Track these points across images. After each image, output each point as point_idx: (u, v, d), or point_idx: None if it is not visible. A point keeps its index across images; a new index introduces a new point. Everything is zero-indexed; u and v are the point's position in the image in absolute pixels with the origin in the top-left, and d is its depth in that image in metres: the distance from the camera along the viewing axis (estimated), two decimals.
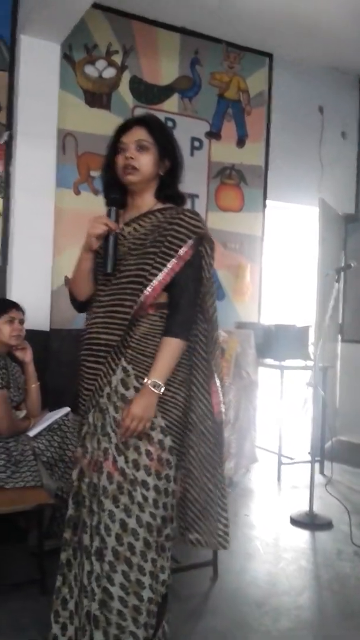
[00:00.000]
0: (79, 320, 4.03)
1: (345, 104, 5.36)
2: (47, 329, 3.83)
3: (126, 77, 4.30)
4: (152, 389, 1.70)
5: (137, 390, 1.73)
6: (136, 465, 1.73)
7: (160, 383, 1.71)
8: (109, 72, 4.24)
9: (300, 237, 5.72)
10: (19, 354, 2.96)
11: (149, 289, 1.72)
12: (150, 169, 1.81)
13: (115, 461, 1.73)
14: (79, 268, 1.87)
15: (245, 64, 4.82)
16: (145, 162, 1.80)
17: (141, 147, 1.80)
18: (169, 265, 1.73)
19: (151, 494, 1.73)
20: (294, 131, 5.06)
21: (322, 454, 4.36)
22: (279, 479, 4.20)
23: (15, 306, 2.90)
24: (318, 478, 3.92)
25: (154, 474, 1.74)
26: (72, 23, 3.58)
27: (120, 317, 1.76)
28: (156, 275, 1.73)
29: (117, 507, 1.72)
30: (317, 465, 4.16)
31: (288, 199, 5.11)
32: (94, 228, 1.78)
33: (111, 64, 4.24)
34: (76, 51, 4.11)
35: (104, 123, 4.19)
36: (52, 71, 3.81)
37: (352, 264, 3.57)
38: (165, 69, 4.47)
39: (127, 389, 1.74)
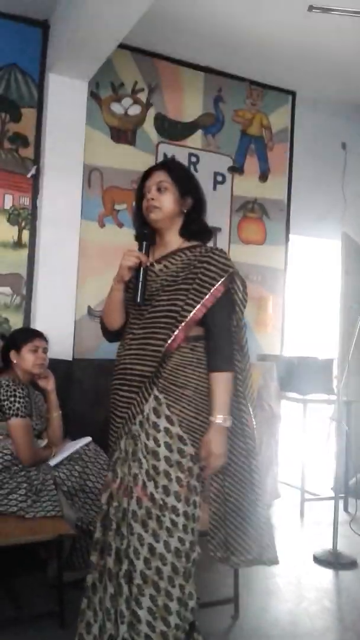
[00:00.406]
0: (101, 350, 4.09)
1: None
2: (70, 358, 3.86)
3: (151, 114, 4.42)
4: (221, 423, 1.83)
5: (168, 418, 1.82)
6: (166, 491, 1.79)
7: (226, 417, 1.84)
8: (134, 110, 4.35)
9: (324, 269, 5.71)
10: (41, 382, 2.98)
11: (182, 324, 1.83)
12: (171, 207, 1.94)
13: (144, 487, 1.80)
14: (110, 298, 2.00)
15: (268, 101, 4.91)
16: (166, 201, 1.93)
17: (161, 188, 1.94)
18: (202, 302, 1.83)
19: (181, 520, 1.79)
20: (316, 166, 5.11)
21: (346, 491, 4.26)
22: (301, 515, 4.11)
23: (39, 335, 2.94)
24: (342, 515, 3.82)
25: (184, 500, 1.81)
26: (99, 62, 3.71)
27: (153, 350, 1.85)
28: (189, 311, 1.83)
29: (146, 531, 1.79)
30: (341, 502, 4.06)
31: (311, 233, 5.12)
32: (126, 260, 1.90)
33: (136, 101, 4.36)
34: (103, 89, 4.23)
35: (128, 158, 4.30)
36: (79, 108, 3.93)
37: None
38: (189, 106, 4.57)
39: (158, 417, 1.83)
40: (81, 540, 2.66)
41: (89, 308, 4.09)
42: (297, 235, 5.05)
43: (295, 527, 3.91)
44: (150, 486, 1.79)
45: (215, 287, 1.84)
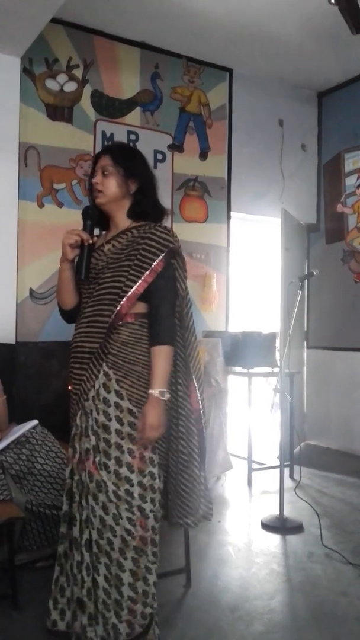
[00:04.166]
0: (45, 333, 4.04)
1: (304, 117, 5.50)
2: (13, 342, 3.80)
3: (87, 90, 4.34)
4: (159, 397, 1.85)
5: (117, 393, 1.87)
6: (119, 463, 1.86)
7: (164, 390, 1.87)
8: (70, 86, 4.26)
9: (265, 246, 5.82)
10: None
11: (124, 299, 1.86)
12: (114, 190, 1.98)
13: (94, 461, 1.87)
14: (59, 278, 2.03)
15: (206, 78, 4.91)
16: (109, 185, 1.97)
17: (105, 172, 1.98)
18: (142, 277, 1.87)
19: (136, 489, 1.87)
20: (255, 144, 5.17)
21: (291, 459, 4.40)
22: (249, 484, 4.23)
23: None
24: (288, 482, 3.96)
25: (137, 471, 1.88)
26: (32, 37, 3.61)
27: (100, 326, 1.90)
28: (131, 286, 1.87)
29: (97, 504, 1.86)
30: (286, 470, 4.20)
31: (251, 210, 5.20)
32: (67, 238, 1.95)
33: (72, 78, 4.27)
34: (36, 65, 4.12)
35: (66, 136, 4.22)
36: (13, 85, 3.82)
37: (315, 272, 3.65)
38: (126, 82, 4.51)
39: (108, 392, 1.88)
40: (31, 522, 2.66)
41: (31, 290, 4.03)
42: (238, 213, 5.11)
43: (244, 496, 4.02)
44: (102, 459, 1.85)
45: (155, 262, 1.88)
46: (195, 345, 2.04)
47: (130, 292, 1.87)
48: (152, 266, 1.88)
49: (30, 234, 4.01)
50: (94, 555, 1.86)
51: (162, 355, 1.88)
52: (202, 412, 2.06)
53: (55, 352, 4.05)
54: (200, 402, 2.05)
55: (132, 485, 1.86)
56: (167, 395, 1.89)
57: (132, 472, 1.87)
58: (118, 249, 1.95)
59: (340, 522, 3.47)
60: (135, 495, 1.86)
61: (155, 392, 1.85)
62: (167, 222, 2.06)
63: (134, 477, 1.87)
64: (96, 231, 2.08)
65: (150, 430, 1.84)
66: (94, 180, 1.99)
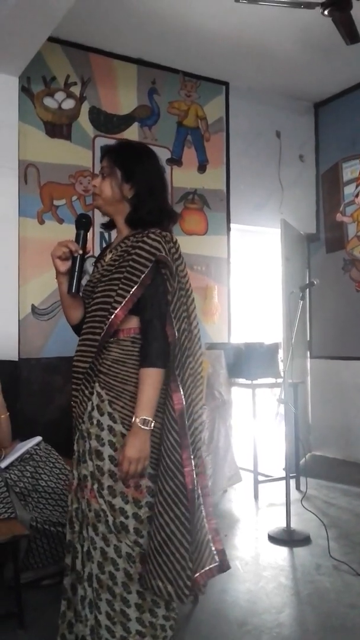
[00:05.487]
0: (48, 349, 4.04)
1: (301, 128, 5.53)
2: (16, 359, 3.80)
3: (85, 107, 4.38)
4: (142, 426, 1.66)
5: (110, 416, 1.72)
6: (112, 492, 1.71)
7: (148, 419, 1.67)
8: (68, 104, 4.30)
9: (266, 257, 5.83)
10: None
11: (112, 316, 1.71)
12: (109, 193, 1.83)
13: (92, 488, 1.73)
14: (59, 292, 1.89)
15: (202, 92, 4.95)
16: (104, 187, 1.84)
17: (103, 174, 1.86)
18: (131, 291, 1.71)
19: (131, 522, 1.71)
20: (253, 155, 5.19)
21: (297, 470, 4.38)
22: (256, 497, 4.20)
23: None
24: (294, 494, 3.93)
25: (132, 501, 1.72)
26: (29, 56, 3.65)
27: (91, 344, 1.77)
28: (120, 302, 1.71)
29: (97, 534, 1.72)
30: (292, 482, 4.17)
31: (251, 222, 5.21)
32: (55, 250, 1.83)
33: (70, 95, 4.31)
34: (34, 84, 4.16)
35: (65, 153, 4.26)
36: (11, 103, 3.86)
37: (315, 282, 3.65)
38: (123, 98, 4.56)
39: (101, 414, 1.74)
40: (36, 540, 2.64)
41: (33, 306, 4.04)
42: (238, 224, 5.13)
43: (251, 509, 3.99)
44: (98, 487, 1.71)
45: (144, 275, 1.71)
46: (199, 371, 1.82)
47: (118, 309, 1.70)
48: (141, 279, 1.70)
49: (31, 251, 4.03)
50: (94, 590, 1.71)
51: (148, 380, 1.68)
52: (193, 474, 1.73)
53: (59, 368, 4.05)
54: (193, 471, 1.73)
55: (126, 518, 1.70)
56: (152, 425, 1.67)
57: (126, 502, 1.70)
58: (112, 259, 1.80)
59: (348, 533, 3.44)
60: (131, 529, 1.70)
61: (136, 420, 1.66)
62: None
63: (129, 509, 1.70)
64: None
65: (127, 463, 1.65)
66: (93, 182, 1.87)
